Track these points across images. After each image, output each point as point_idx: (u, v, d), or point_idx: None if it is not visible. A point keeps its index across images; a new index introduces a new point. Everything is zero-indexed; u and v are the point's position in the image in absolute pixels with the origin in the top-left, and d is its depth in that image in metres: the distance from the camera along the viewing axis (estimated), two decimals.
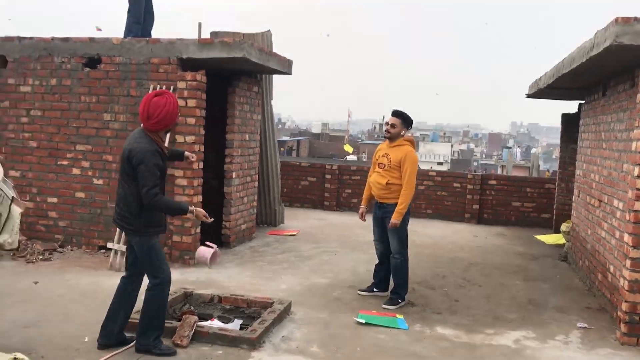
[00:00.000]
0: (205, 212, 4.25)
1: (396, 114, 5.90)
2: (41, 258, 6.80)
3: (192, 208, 4.16)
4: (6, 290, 5.59)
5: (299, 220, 10.57)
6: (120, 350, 4.21)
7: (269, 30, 9.09)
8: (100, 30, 9.56)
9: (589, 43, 5.25)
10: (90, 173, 7.25)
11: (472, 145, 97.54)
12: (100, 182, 7.21)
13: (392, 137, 5.86)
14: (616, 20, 4.46)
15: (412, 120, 6.01)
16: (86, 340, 4.39)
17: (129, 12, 7.66)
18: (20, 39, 7.43)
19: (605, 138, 6.52)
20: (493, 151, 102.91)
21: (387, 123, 5.95)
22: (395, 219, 5.66)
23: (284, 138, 57.58)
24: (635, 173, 4.86)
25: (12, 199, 3.72)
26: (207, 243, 6.76)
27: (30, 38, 7.41)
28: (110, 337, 4.26)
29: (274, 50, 8.64)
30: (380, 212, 5.90)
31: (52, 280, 5.97)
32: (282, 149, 45.26)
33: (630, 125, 5.36)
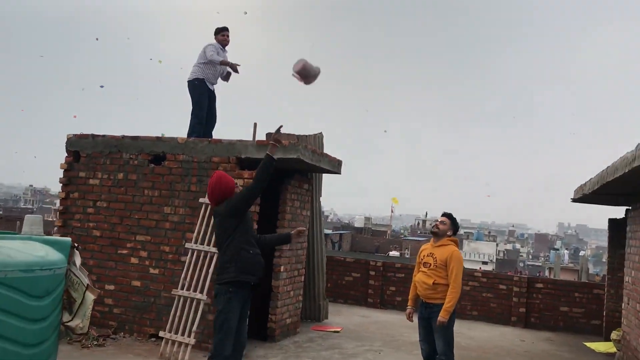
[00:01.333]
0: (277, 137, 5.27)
1: (447, 214, 6.15)
2: (95, 344, 7.06)
3: (274, 155, 5.09)
4: None
5: (342, 317, 10.60)
6: None
7: (320, 133, 9.62)
8: (102, 87, 10.34)
9: (630, 154, 5.46)
10: (147, 262, 7.62)
11: (518, 246, 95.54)
12: (156, 271, 7.56)
13: (438, 234, 6.01)
14: None
15: (458, 226, 6.24)
16: None
17: (192, 113, 8.31)
18: (94, 136, 8.11)
19: None
20: (540, 252, 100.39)
21: (437, 220, 6.19)
22: (442, 317, 5.69)
23: (327, 231, 57.88)
24: None
25: (87, 286, 4.05)
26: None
27: (103, 136, 8.08)
28: None
29: (325, 150, 9.12)
30: (427, 312, 5.92)
31: None
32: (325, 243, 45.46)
33: None
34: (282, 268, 8.16)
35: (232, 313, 4.76)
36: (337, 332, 9.22)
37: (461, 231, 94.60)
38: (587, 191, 8.36)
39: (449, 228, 6.06)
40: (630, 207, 8.58)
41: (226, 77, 8.86)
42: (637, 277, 7.31)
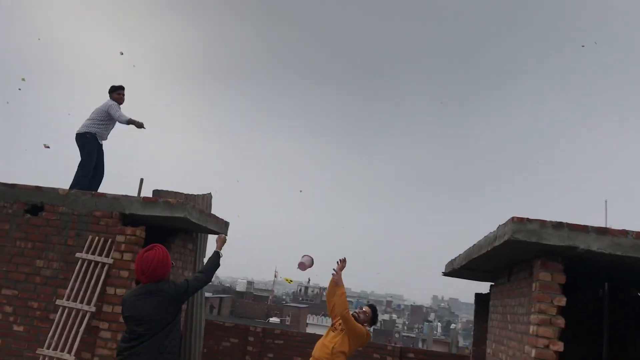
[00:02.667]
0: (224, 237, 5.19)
1: (372, 307, 6.58)
2: None
3: (221, 252, 4.96)
4: None
5: None
6: None
7: (209, 193, 9.66)
8: (48, 147, 9.91)
9: (492, 235, 6.04)
10: (11, 319, 7.12)
11: (394, 316, 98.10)
12: (21, 328, 7.08)
13: (357, 319, 6.31)
14: (512, 219, 5.27)
15: (376, 322, 6.67)
16: None
17: (80, 165, 8.12)
18: None
19: (510, 320, 7.13)
20: (415, 323, 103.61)
21: (361, 307, 6.54)
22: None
23: (207, 294, 56.33)
24: (532, 355, 5.38)
25: None
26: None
27: None
28: None
29: (213, 211, 9.15)
30: None
31: None
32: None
33: (529, 310, 6.00)
34: None
35: None
36: None
37: None
38: (456, 266, 8.99)
39: (368, 319, 6.45)
40: (493, 284, 9.31)
41: (136, 124, 8.84)
42: (497, 350, 7.87)
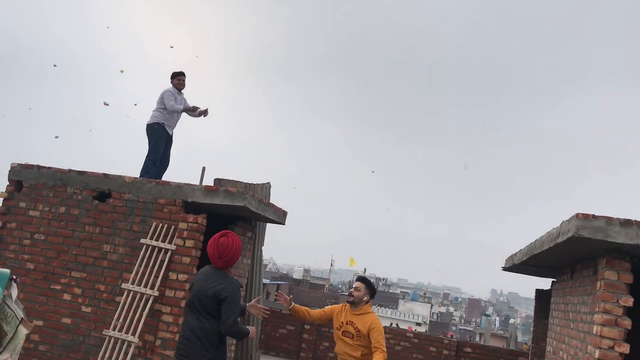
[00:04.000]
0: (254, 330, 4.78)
1: (361, 279, 5.84)
2: None
3: (251, 329, 4.72)
4: None
5: None
6: None
7: (268, 182, 9.79)
8: (107, 104, 10.26)
9: (556, 231, 5.87)
10: (80, 300, 7.47)
11: (451, 309, 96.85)
12: (89, 309, 7.42)
13: (354, 302, 5.74)
14: (577, 215, 5.10)
15: (375, 291, 5.94)
16: None
17: (148, 155, 8.40)
18: (39, 167, 8.03)
19: (572, 318, 6.93)
20: (472, 317, 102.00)
21: (350, 287, 5.90)
22: None
23: (264, 281, 57.15)
24: (596, 356, 5.22)
25: (21, 320, 4.00)
26: None
27: (49, 168, 8.01)
28: None
29: (272, 200, 9.28)
30: None
31: None
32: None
33: (592, 309, 5.81)
34: None
35: None
36: None
37: (397, 290, 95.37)
38: (516, 261, 8.79)
39: (365, 293, 5.76)
40: (555, 280, 9.05)
41: (198, 113, 9.05)
42: (557, 348, 7.67)
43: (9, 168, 8.12)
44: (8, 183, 8.08)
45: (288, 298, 5.77)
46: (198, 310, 4.51)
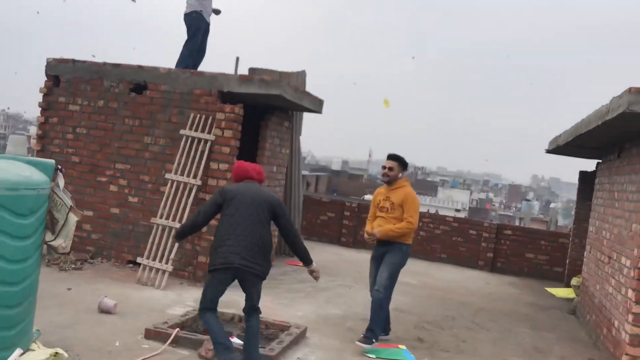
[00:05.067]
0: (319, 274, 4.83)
1: (393, 157, 5.94)
2: (73, 267, 7.21)
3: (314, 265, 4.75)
4: (42, 294, 5.89)
5: (315, 254, 10.78)
6: (148, 356, 4.55)
7: (304, 71, 9.59)
8: (134, 0, 10.21)
9: (605, 108, 5.61)
10: (126, 191, 7.70)
11: (491, 195, 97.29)
12: (135, 200, 7.65)
13: (390, 181, 5.90)
14: (629, 89, 4.83)
15: (407, 163, 6.07)
16: (117, 344, 4.74)
17: (185, 45, 8.24)
18: (74, 61, 8.00)
19: (618, 197, 6.81)
20: (512, 202, 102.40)
21: (384, 167, 5.98)
22: (379, 230, 5.72)
23: (304, 172, 57.90)
24: None
25: (70, 208, 4.13)
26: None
27: (84, 62, 7.98)
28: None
29: (307, 89, 9.13)
30: (382, 249, 5.85)
31: (85, 289, 6.35)
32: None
33: None
34: None
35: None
36: None
37: (437, 178, 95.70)
38: (561, 143, 8.57)
39: (398, 170, 5.91)
40: (600, 161, 8.84)
41: (216, 12, 8.82)
42: (600, 227, 7.62)
43: (45, 63, 8.12)
44: (46, 79, 8.11)
45: (374, 233, 5.84)
46: (260, 219, 4.46)
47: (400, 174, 5.94)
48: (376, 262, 5.93)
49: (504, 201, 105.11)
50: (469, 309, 7.95)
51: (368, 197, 51.00)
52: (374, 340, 5.54)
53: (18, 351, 3.71)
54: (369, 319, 5.68)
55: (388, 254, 5.76)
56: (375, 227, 5.87)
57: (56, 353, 4.04)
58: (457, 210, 62.44)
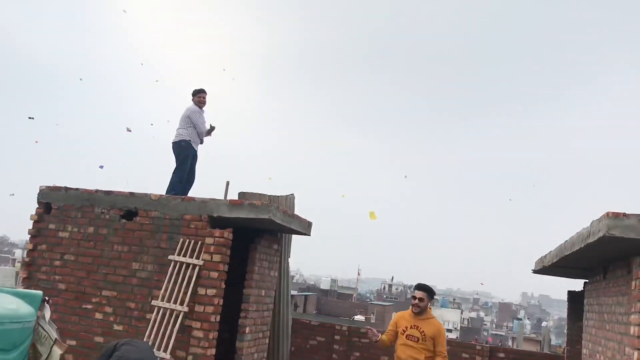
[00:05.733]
0: None
1: (422, 287, 6.22)
2: None
3: None
4: None
5: None
6: None
7: (292, 194, 9.82)
8: (130, 131, 10.57)
9: (586, 231, 5.76)
10: (111, 319, 7.55)
11: (482, 314, 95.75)
12: (120, 328, 7.48)
13: (421, 311, 6.14)
14: (607, 214, 5.00)
15: (434, 293, 6.45)
16: None
17: (174, 172, 8.50)
18: (66, 189, 8.16)
19: (607, 319, 6.78)
20: (503, 321, 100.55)
21: (414, 297, 6.22)
22: None
23: (292, 292, 56.91)
24: (635, 357, 5.09)
25: (55, 340, 4.06)
26: None
27: (76, 189, 8.13)
28: None
29: (296, 212, 9.29)
30: None
31: None
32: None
33: (628, 310, 5.68)
34: (247, 329, 8.14)
35: None
36: None
37: None
38: (546, 263, 8.65)
39: (428, 300, 6.19)
40: (587, 281, 8.88)
41: (209, 132, 9.22)
42: (594, 350, 7.51)
43: (38, 191, 8.26)
44: (37, 206, 8.22)
45: (377, 334, 6.29)
46: None
47: (429, 304, 6.19)
48: None
49: (495, 320, 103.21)
50: None
51: (358, 317, 49.95)
52: None
53: None
54: None
55: None
56: (401, 355, 6.02)
57: None
58: (449, 331, 61.08)
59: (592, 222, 5.53)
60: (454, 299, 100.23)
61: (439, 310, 73.93)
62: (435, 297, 6.57)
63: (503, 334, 74.62)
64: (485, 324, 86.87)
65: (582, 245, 5.91)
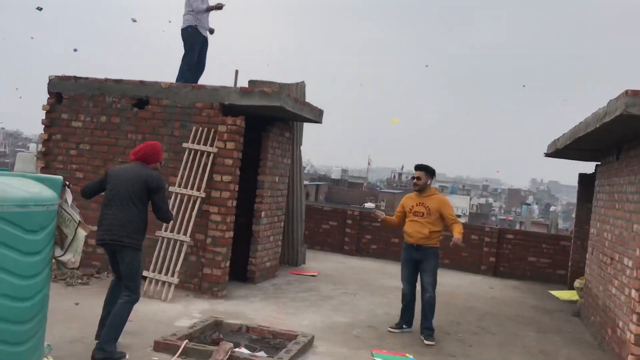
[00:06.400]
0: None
1: (419, 167, 6.61)
2: (80, 282, 7.25)
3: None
4: (50, 309, 5.94)
5: (319, 262, 10.93)
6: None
7: (303, 81, 9.69)
8: (135, 21, 10.62)
9: (602, 110, 5.69)
10: None
11: (490, 200, 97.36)
12: None
13: (420, 189, 6.53)
14: (626, 92, 4.91)
15: (434, 171, 6.73)
16: (127, 357, 4.78)
17: (183, 59, 8.34)
18: (76, 78, 8.09)
19: (617, 199, 6.88)
20: (512, 207, 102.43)
21: (413, 177, 6.65)
22: (458, 239, 6.33)
23: (304, 182, 57.58)
24: None
25: (79, 223, 4.19)
26: None
27: (86, 78, 8.06)
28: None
29: (307, 99, 9.22)
30: (418, 254, 6.45)
31: (91, 303, 6.37)
32: None
33: (639, 189, 5.73)
34: (262, 214, 8.37)
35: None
36: (314, 276, 9.55)
37: (436, 184, 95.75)
38: (559, 146, 8.65)
39: (427, 178, 6.57)
40: (599, 163, 8.91)
41: (211, 9, 8.86)
42: (601, 229, 7.68)
43: (47, 81, 8.20)
44: (48, 96, 8.19)
45: (382, 213, 6.76)
46: (132, 197, 4.84)
47: (429, 182, 6.59)
48: (409, 265, 6.56)
49: (504, 206, 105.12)
50: (474, 314, 7.99)
51: (369, 205, 51.05)
52: (433, 335, 6.27)
53: None
54: (425, 319, 6.35)
55: (426, 262, 6.42)
56: (408, 229, 6.50)
57: None
58: (458, 216, 62.51)
59: (609, 101, 5.45)
60: (464, 186, 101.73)
61: (448, 197, 75.19)
62: (435, 177, 6.92)
63: (511, 218, 76.20)
64: (494, 210, 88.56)
65: (597, 126, 5.87)
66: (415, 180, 6.59)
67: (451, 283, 10.29)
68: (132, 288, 4.86)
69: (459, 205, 70.13)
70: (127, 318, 4.85)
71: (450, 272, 11.61)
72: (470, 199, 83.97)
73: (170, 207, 7.29)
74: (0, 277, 3.56)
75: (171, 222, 5.87)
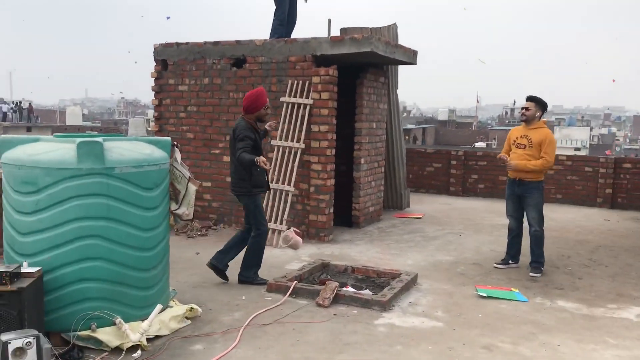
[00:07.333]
0: (264, 159, 5.28)
1: (530, 98, 6.35)
2: (199, 234, 7.89)
3: (256, 158, 5.22)
4: (174, 259, 6.59)
5: (424, 205, 11.01)
6: (271, 307, 4.99)
7: (394, 24, 9.59)
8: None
9: None
10: None
11: (613, 129, 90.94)
12: None
13: (528, 120, 6.30)
14: None
15: (546, 104, 6.43)
16: (243, 298, 5.23)
17: (274, 15, 8.54)
18: (178, 44, 8.57)
19: None
20: (639, 135, 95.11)
21: (522, 108, 6.44)
22: (515, 164, 6.19)
23: (409, 126, 57.03)
24: None
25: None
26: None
27: (186, 43, 8.52)
28: (220, 262, 5.66)
29: (400, 42, 9.14)
30: (520, 189, 6.34)
31: (211, 252, 6.87)
32: (407, 137, 44.74)
33: None
34: (362, 160, 8.54)
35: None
36: (419, 218, 9.66)
37: (552, 117, 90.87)
38: None
39: (536, 110, 6.31)
40: None
41: None
42: None
43: (153, 49, 8.76)
44: (155, 63, 8.76)
45: (505, 156, 6.42)
46: (231, 152, 5.54)
47: (538, 114, 6.33)
48: (512, 200, 6.48)
49: (629, 134, 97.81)
50: (586, 247, 7.77)
51: (479, 144, 49.62)
52: (542, 268, 6.31)
53: (159, 307, 4.25)
54: (532, 254, 6.35)
55: (529, 197, 6.27)
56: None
57: (191, 308, 4.57)
58: (577, 149, 59.08)
59: None
60: (582, 117, 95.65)
61: (565, 130, 71.20)
62: (547, 110, 6.47)
63: (638, 147, 70.95)
64: (618, 139, 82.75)
65: None
66: (523, 111, 6.36)
67: (563, 217, 10.01)
68: (255, 224, 5.57)
69: (578, 137, 66.21)
70: (260, 249, 5.64)
71: (564, 206, 11.26)
72: (591, 129, 78.97)
73: (274, 159, 7.71)
74: (126, 231, 4.05)
75: (270, 171, 6.50)
